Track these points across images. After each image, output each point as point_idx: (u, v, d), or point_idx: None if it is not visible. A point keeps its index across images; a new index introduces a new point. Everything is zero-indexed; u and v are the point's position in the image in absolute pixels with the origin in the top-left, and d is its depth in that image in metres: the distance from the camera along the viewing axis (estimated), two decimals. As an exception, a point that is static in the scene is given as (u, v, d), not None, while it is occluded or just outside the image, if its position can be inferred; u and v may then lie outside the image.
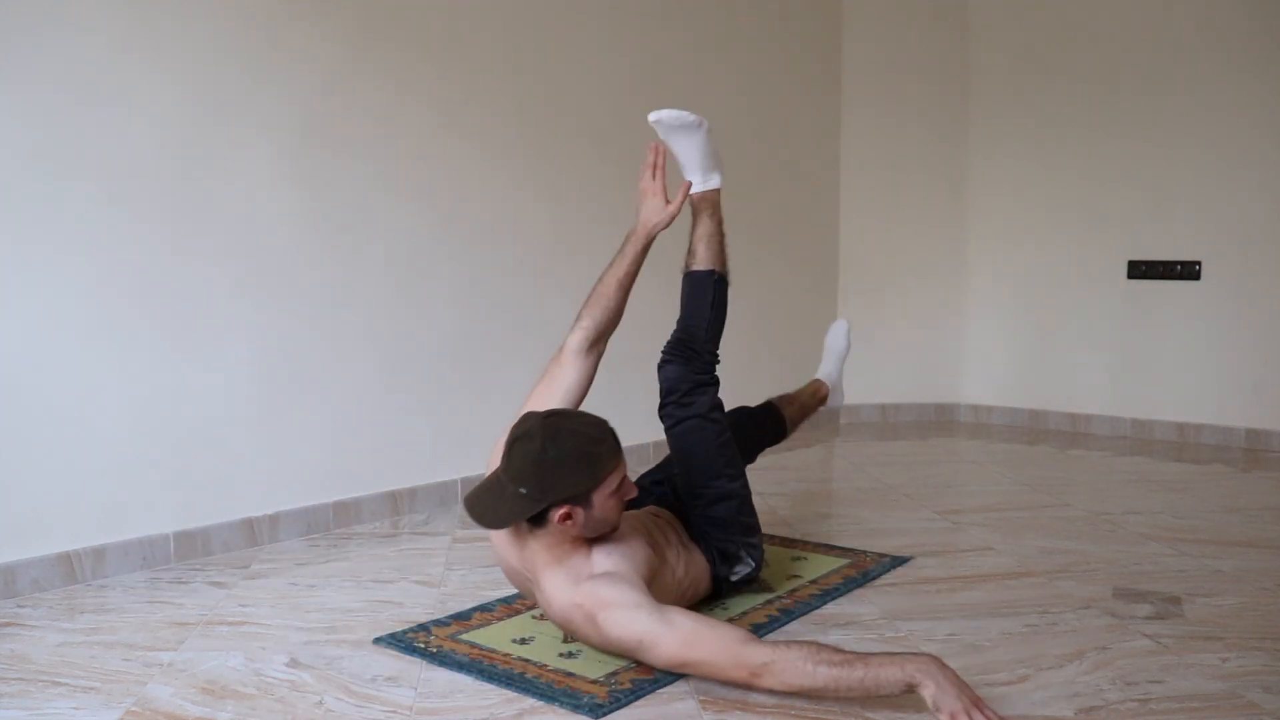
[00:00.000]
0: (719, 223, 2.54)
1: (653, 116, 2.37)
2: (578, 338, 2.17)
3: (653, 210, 2.26)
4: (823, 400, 2.98)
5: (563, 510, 1.87)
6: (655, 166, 2.30)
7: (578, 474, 1.86)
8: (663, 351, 2.40)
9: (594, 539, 1.97)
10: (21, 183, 2.42)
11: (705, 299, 2.47)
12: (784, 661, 1.71)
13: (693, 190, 2.48)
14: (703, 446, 2.31)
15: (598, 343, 2.20)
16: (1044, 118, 4.87)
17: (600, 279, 2.23)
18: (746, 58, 4.53)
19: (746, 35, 4.52)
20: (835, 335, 3.10)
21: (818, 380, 3.01)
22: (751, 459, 2.65)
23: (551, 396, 2.13)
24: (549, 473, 1.85)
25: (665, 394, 2.35)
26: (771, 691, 1.76)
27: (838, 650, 1.72)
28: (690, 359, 2.36)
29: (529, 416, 1.94)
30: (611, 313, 2.21)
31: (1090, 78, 4.73)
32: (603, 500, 1.90)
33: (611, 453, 1.91)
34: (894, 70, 5.09)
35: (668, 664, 1.83)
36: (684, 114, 2.38)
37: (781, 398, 2.89)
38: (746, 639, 1.77)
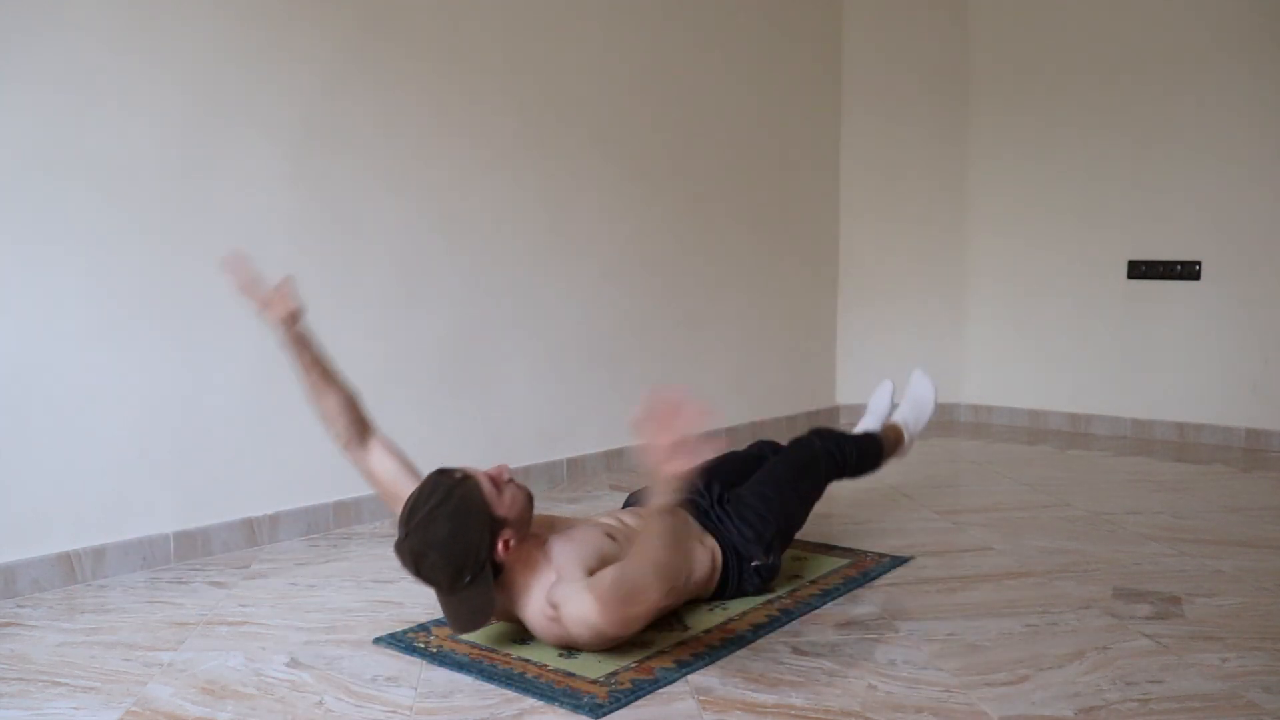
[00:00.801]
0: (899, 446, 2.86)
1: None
2: (343, 446, 2.21)
3: (271, 311, 2.15)
4: (895, 448, 2.89)
5: (499, 546, 1.93)
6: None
7: (473, 524, 1.91)
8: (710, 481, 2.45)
9: (546, 541, 2.04)
10: (22, 182, 2.42)
11: (800, 480, 2.54)
12: (620, 573, 1.83)
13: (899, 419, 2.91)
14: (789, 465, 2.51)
15: (355, 437, 2.20)
16: (1044, 117, 4.87)
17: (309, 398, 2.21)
18: (746, 58, 4.53)
19: (746, 35, 4.52)
20: (924, 389, 3.00)
21: (898, 427, 2.92)
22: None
23: (386, 499, 2.21)
24: (460, 551, 1.90)
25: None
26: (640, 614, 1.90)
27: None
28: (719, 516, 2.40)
29: (399, 553, 1.95)
30: (337, 407, 2.18)
31: (1090, 78, 4.73)
32: (505, 508, 1.95)
33: (463, 483, 1.94)
34: (894, 71, 5.09)
35: (611, 629, 1.90)
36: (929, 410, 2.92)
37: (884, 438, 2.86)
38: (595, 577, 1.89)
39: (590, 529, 2.13)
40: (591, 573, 1.96)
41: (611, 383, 3.91)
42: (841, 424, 5.11)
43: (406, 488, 2.10)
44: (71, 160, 2.50)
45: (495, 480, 1.98)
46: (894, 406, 3.03)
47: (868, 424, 2.98)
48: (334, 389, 2.17)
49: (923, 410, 2.96)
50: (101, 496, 2.58)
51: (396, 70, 3.17)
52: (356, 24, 3.07)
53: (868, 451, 2.72)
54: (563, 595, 1.92)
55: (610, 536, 2.11)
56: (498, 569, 1.97)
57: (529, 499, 2.03)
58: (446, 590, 1.94)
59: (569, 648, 2.01)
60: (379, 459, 2.20)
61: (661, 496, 1.73)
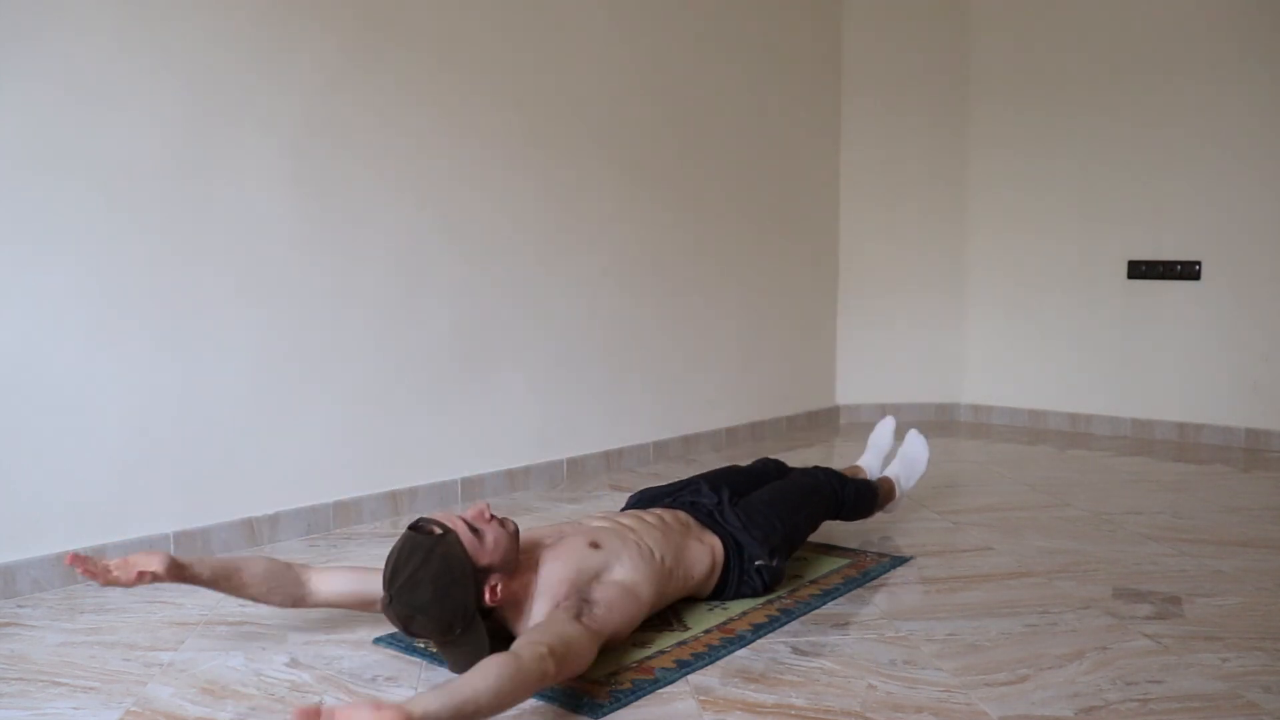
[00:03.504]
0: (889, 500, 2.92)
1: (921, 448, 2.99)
2: (293, 605, 2.11)
3: None
4: (887, 501, 2.96)
5: (486, 592, 1.89)
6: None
7: (457, 581, 1.85)
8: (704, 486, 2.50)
9: (537, 561, 2.01)
10: (21, 182, 2.42)
11: (806, 502, 2.58)
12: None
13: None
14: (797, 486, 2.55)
15: (295, 589, 2.08)
16: (1044, 117, 4.87)
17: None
18: (746, 57, 4.52)
19: (746, 34, 4.52)
20: (918, 448, 3.06)
21: (890, 480, 2.98)
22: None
23: (361, 606, 2.12)
24: (447, 610, 1.84)
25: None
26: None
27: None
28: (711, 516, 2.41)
29: (387, 615, 1.89)
30: (262, 589, 2.06)
31: (1090, 77, 4.73)
32: (488, 555, 1.90)
33: (442, 539, 1.88)
34: (894, 69, 5.09)
35: (576, 663, 1.82)
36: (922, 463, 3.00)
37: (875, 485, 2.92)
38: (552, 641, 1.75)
39: (574, 543, 2.08)
40: (569, 594, 1.95)
41: (611, 383, 3.91)
42: (841, 423, 5.11)
43: (370, 586, 2.04)
44: (71, 160, 2.49)
45: (475, 525, 1.93)
46: (896, 444, 3.15)
47: (869, 459, 3.12)
48: (246, 578, 2.03)
49: (915, 469, 3.04)
50: (101, 496, 2.58)
51: (396, 70, 3.17)
52: (357, 24, 3.07)
53: (864, 496, 2.80)
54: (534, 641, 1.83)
55: (595, 545, 2.07)
56: (488, 611, 1.93)
57: (513, 535, 1.97)
58: (439, 643, 1.90)
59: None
60: (327, 586, 2.08)
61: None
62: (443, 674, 1.96)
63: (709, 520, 2.37)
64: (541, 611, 1.94)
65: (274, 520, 2.92)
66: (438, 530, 1.89)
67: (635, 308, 3.99)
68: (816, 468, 2.77)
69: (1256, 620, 2.24)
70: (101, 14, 2.53)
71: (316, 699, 1.85)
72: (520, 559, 2.00)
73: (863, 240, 5.17)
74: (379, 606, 1.96)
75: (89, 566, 1.91)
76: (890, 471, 3.01)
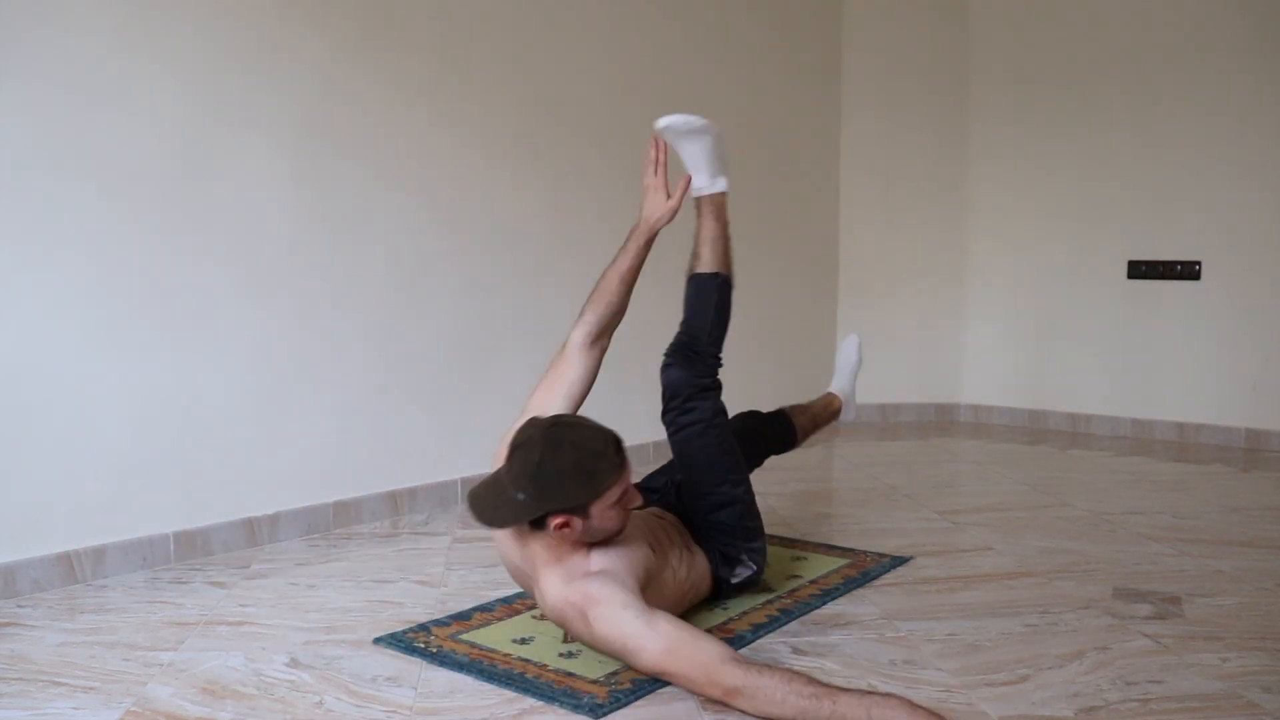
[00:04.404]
0: (724, 226, 2.54)
1: (661, 123, 2.36)
2: (581, 333, 2.19)
3: (655, 205, 2.29)
4: (835, 413, 2.98)
5: (559, 520, 1.86)
6: (657, 163, 2.32)
7: (575, 487, 1.85)
8: (665, 354, 2.39)
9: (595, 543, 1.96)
10: (21, 183, 2.42)
11: (709, 301, 2.47)
12: (756, 687, 1.69)
13: (699, 193, 2.47)
14: (705, 453, 2.30)
15: (600, 338, 2.21)
16: (1044, 118, 4.87)
17: (603, 275, 2.24)
18: (746, 58, 4.52)
19: (746, 35, 4.52)
20: (846, 350, 3.10)
21: (830, 394, 3.01)
22: (758, 463, 2.64)
23: (555, 392, 2.14)
24: (546, 483, 1.84)
25: (668, 399, 2.34)
26: (743, 713, 1.74)
27: (811, 681, 1.69)
28: (693, 362, 2.36)
29: (533, 423, 1.92)
30: (614, 308, 2.23)
31: (1090, 78, 4.73)
32: (602, 511, 1.89)
33: (613, 467, 1.88)
34: (894, 71, 5.09)
35: (649, 670, 1.82)
36: (692, 119, 2.39)
37: (794, 407, 2.88)
38: (726, 658, 1.74)
39: (634, 539, 2.03)
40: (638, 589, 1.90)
41: (611, 383, 3.90)
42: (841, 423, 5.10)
43: (575, 401, 2.15)
44: (71, 160, 2.49)
45: (625, 498, 1.91)
46: (859, 360, 3.12)
47: (837, 380, 3.08)
48: (625, 296, 2.24)
49: (844, 368, 3.06)
50: (101, 496, 2.58)
51: (396, 70, 3.17)
52: (357, 24, 3.07)
53: (777, 423, 2.78)
54: (614, 599, 1.82)
55: (651, 547, 2.06)
56: (540, 524, 1.89)
57: (616, 535, 1.95)
58: (505, 474, 1.88)
59: (568, 632, 1.96)
60: (590, 368, 2.20)
61: None
62: (443, 674, 1.96)
63: (695, 533, 2.31)
64: (568, 571, 1.89)
65: (274, 520, 2.92)
66: (617, 458, 1.88)
67: (634, 307, 3.98)
68: (738, 415, 2.68)
69: (1256, 620, 2.24)
70: (101, 14, 2.53)
71: (316, 699, 1.85)
72: (594, 541, 1.95)
73: (863, 240, 5.17)
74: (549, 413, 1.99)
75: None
76: (831, 386, 3.03)
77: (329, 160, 3.02)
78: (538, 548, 1.95)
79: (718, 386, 2.37)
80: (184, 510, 2.74)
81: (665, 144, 2.35)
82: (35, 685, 1.92)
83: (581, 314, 2.21)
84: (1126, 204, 4.67)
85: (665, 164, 2.31)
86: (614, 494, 1.89)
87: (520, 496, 1.86)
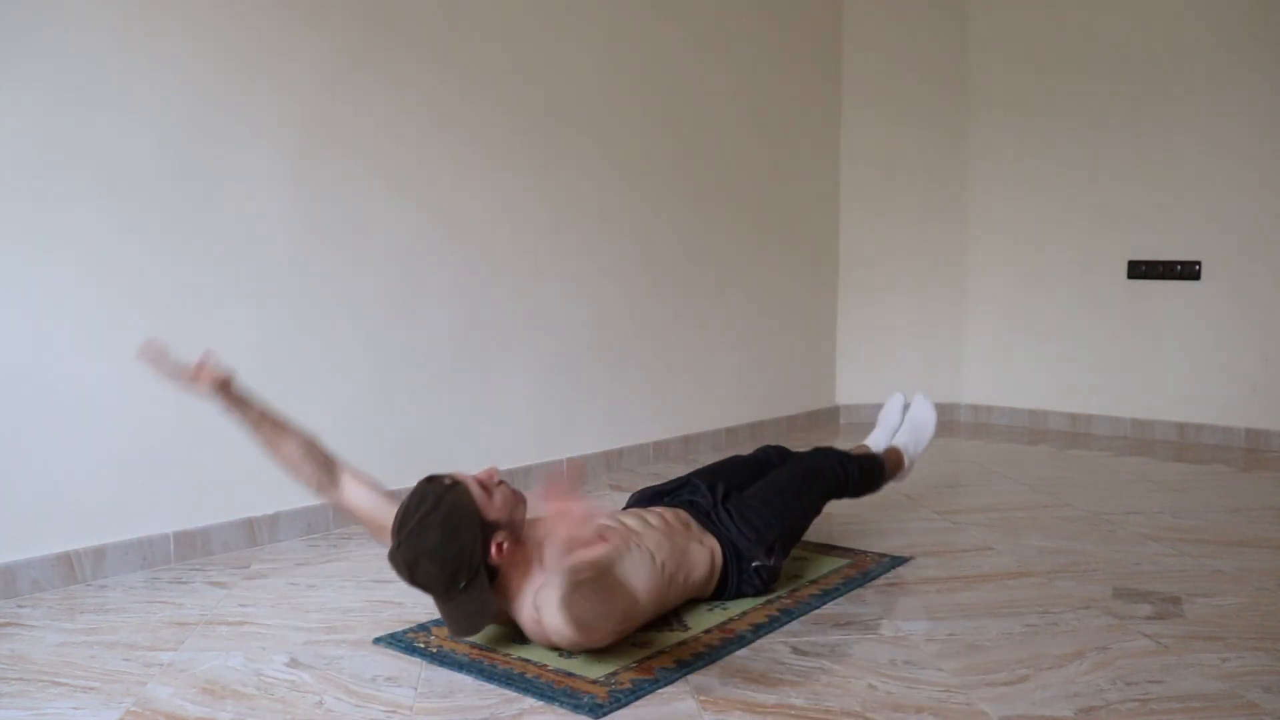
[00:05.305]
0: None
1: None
2: (317, 490, 2.15)
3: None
4: (896, 471, 2.91)
5: (493, 550, 1.92)
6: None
7: (465, 529, 1.90)
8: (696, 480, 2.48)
9: (539, 539, 1.99)
10: (21, 183, 2.42)
11: (805, 490, 2.52)
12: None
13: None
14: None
15: (324, 476, 2.13)
16: (1044, 117, 4.87)
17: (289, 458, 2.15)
18: (746, 58, 4.52)
19: (746, 35, 4.52)
20: (925, 413, 3.04)
21: (897, 450, 2.94)
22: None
23: (373, 531, 2.15)
24: (453, 556, 1.89)
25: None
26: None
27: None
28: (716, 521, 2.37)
29: (393, 562, 1.94)
30: (296, 456, 2.11)
31: (1090, 77, 4.73)
32: (496, 511, 1.95)
33: (453, 490, 1.93)
34: (894, 70, 5.09)
35: (579, 644, 1.91)
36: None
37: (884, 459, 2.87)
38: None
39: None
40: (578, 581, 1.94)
41: (611, 383, 3.91)
42: (841, 423, 5.11)
43: (389, 513, 2.05)
44: (71, 160, 2.49)
45: (485, 484, 1.98)
46: (904, 419, 3.07)
47: (877, 436, 3.03)
48: (288, 437, 2.11)
49: (922, 435, 3.00)
50: (101, 496, 2.58)
51: (396, 70, 3.17)
52: (356, 24, 3.07)
53: (870, 471, 2.76)
54: (544, 600, 1.90)
55: (604, 539, 2.08)
56: (493, 572, 1.96)
57: (521, 501, 2.02)
58: (443, 596, 1.93)
59: (556, 649, 2.01)
60: (354, 492, 2.14)
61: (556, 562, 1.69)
62: (443, 674, 1.96)
63: (706, 521, 2.35)
64: (534, 590, 1.95)
65: (274, 520, 2.92)
66: (448, 481, 1.96)
67: (635, 308, 3.99)
68: (817, 450, 2.72)
69: (1256, 620, 2.24)
70: (101, 13, 2.53)
71: (316, 699, 1.85)
72: (526, 532, 2.02)
73: (863, 239, 5.17)
74: (391, 532, 1.97)
75: (164, 362, 2.01)
76: (898, 441, 2.96)
77: (329, 160, 3.02)
78: (509, 593, 1.99)
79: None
80: (184, 510, 2.74)
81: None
82: (35, 685, 1.92)
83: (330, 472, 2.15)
84: (1127, 204, 4.67)
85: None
86: (479, 492, 1.95)
87: (462, 583, 1.90)
